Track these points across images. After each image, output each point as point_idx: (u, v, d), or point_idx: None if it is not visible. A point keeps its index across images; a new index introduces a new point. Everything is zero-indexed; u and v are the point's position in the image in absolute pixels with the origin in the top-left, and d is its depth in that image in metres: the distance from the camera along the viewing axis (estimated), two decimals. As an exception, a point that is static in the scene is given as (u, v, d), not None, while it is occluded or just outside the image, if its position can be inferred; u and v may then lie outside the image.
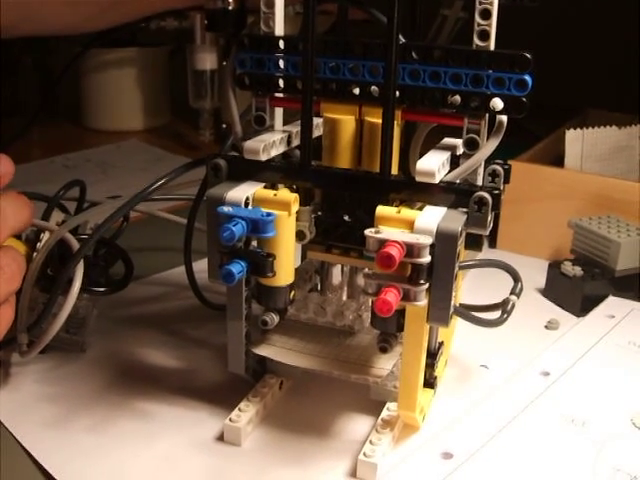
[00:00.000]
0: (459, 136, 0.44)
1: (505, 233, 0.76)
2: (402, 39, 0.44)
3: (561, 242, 0.71)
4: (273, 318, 0.47)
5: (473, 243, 0.43)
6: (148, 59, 1.20)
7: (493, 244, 0.77)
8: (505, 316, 0.47)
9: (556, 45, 1.17)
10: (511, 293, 0.48)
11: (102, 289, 0.53)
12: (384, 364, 0.47)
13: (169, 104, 1.27)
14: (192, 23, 1.03)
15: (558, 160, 0.79)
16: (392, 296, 0.39)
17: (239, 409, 0.48)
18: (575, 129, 0.77)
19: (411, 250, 0.39)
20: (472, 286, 0.54)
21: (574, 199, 0.72)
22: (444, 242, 0.40)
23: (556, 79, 1.16)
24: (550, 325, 0.62)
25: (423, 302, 0.41)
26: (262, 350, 0.49)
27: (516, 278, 0.49)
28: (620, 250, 0.63)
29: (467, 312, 0.46)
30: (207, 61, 1.04)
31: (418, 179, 0.42)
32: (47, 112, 1.21)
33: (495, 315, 0.47)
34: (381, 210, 0.42)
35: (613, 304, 0.62)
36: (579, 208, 0.71)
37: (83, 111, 1.23)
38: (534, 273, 0.69)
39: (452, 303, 0.42)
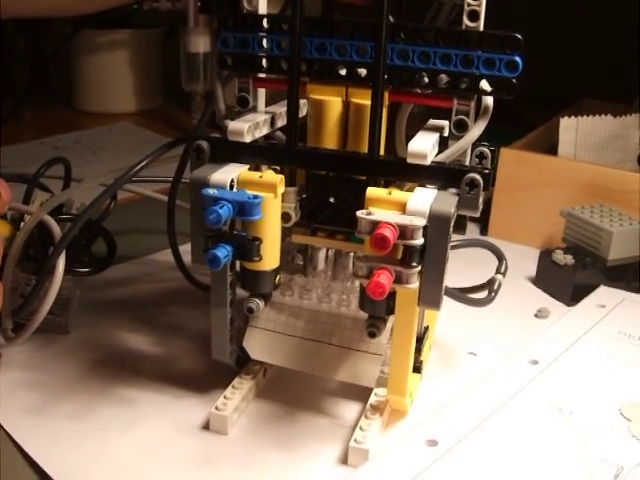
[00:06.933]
0: (438, 117, 0.44)
1: (497, 221, 0.76)
2: (391, 19, 0.43)
3: (553, 231, 0.70)
4: (258, 304, 0.46)
5: (457, 225, 0.43)
6: (141, 41, 1.19)
7: (485, 231, 0.77)
8: (492, 295, 0.47)
9: (554, 35, 1.16)
10: (496, 272, 0.48)
11: (85, 269, 0.53)
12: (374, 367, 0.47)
13: (162, 87, 1.25)
14: (185, 5, 1.02)
15: (552, 149, 0.78)
16: (385, 278, 0.38)
17: (225, 397, 0.47)
18: (570, 117, 0.77)
19: (404, 232, 0.38)
20: (456, 269, 0.53)
21: (567, 187, 0.72)
22: (437, 224, 0.39)
23: (553, 69, 1.15)
24: (540, 314, 0.61)
25: (415, 285, 0.40)
26: (257, 353, 0.48)
27: (500, 257, 0.48)
28: (612, 239, 0.62)
29: (456, 292, 0.46)
30: (200, 44, 1.03)
31: (410, 160, 0.41)
32: (39, 93, 1.20)
33: (482, 296, 0.47)
34: (372, 191, 0.41)
35: (604, 294, 0.62)
36: (572, 197, 0.71)
37: (75, 93, 1.22)
38: (525, 261, 0.69)
39: (444, 285, 0.41)
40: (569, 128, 0.76)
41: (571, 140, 0.76)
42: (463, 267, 0.55)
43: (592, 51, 1.14)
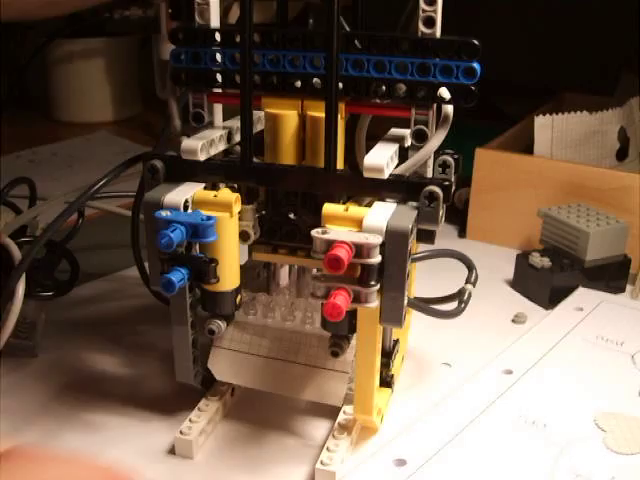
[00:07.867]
0: (404, 126, 0.42)
1: (475, 222, 0.75)
2: (346, 27, 0.42)
3: (532, 231, 0.69)
4: (220, 326, 0.45)
5: (425, 235, 0.41)
6: (116, 49, 1.18)
7: (463, 234, 0.75)
8: (462, 306, 0.45)
9: (538, 28, 1.15)
10: (466, 282, 0.46)
11: (47, 294, 0.52)
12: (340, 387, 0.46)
13: (139, 94, 1.24)
14: (157, 12, 1.01)
15: (530, 146, 0.77)
16: (342, 299, 0.37)
17: (190, 420, 0.46)
18: (545, 115, 0.75)
19: (360, 250, 0.37)
20: (426, 279, 0.52)
21: (544, 187, 0.70)
22: (395, 241, 0.38)
23: (536, 61, 1.14)
24: (517, 319, 0.60)
25: (374, 304, 0.39)
26: (222, 374, 0.47)
27: (470, 267, 0.47)
28: (589, 240, 0.61)
29: (423, 304, 0.45)
30: (174, 50, 1.02)
31: (366, 175, 0.40)
32: (17, 106, 1.19)
33: (452, 307, 0.46)
34: (328, 208, 0.40)
35: (582, 296, 0.61)
36: (550, 196, 0.70)
37: (52, 104, 1.20)
38: (504, 264, 0.68)
39: (405, 302, 0.40)
40: (544, 126, 0.75)
41: (547, 139, 0.74)
42: (436, 276, 0.54)
43: (577, 43, 1.14)
